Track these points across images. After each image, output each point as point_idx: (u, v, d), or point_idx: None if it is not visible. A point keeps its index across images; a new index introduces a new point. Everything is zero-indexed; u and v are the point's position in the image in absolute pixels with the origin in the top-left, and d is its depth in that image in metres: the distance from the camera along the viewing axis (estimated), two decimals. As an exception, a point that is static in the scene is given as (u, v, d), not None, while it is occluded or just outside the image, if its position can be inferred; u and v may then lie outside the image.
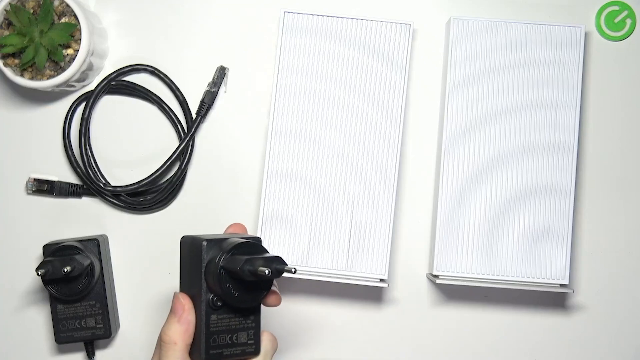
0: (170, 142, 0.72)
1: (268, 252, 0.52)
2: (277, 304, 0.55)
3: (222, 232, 0.57)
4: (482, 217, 0.68)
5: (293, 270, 0.48)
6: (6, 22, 0.67)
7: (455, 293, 0.73)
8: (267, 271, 0.47)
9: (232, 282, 0.51)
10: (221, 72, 0.72)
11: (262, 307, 0.55)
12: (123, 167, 0.72)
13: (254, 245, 0.51)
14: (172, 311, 0.53)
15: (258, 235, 0.61)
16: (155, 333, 0.61)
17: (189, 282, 0.54)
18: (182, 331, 0.52)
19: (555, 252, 0.68)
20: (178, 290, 0.55)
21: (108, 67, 0.73)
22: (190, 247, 0.53)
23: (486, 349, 0.73)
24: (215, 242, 0.52)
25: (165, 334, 0.52)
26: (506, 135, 0.68)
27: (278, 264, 0.49)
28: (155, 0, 0.73)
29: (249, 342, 0.54)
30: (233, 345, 0.54)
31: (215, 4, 0.73)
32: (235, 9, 0.73)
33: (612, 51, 0.73)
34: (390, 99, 0.68)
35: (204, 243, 0.51)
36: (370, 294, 0.72)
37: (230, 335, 0.53)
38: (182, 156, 0.71)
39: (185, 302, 0.53)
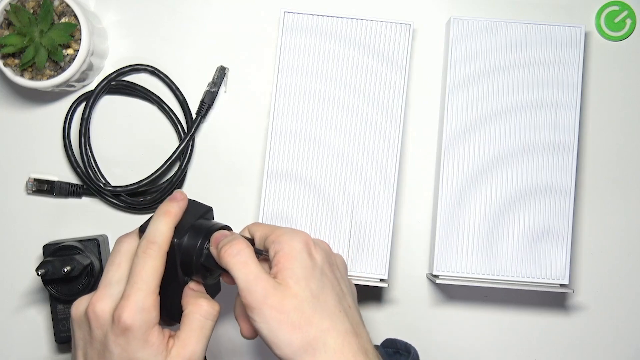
0: (170, 142, 0.72)
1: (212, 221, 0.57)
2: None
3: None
4: (482, 217, 0.68)
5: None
6: (6, 22, 0.67)
7: (455, 293, 0.73)
8: None
9: (206, 270, 0.55)
10: (221, 72, 0.72)
11: None
12: (123, 167, 0.72)
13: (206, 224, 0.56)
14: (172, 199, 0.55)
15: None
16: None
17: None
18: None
19: (555, 252, 0.68)
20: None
21: (108, 67, 0.73)
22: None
23: (486, 349, 0.73)
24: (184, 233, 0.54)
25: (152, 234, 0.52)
26: (506, 135, 0.68)
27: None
28: (155, 0, 0.73)
29: None
30: None
31: (215, 4, 0.73)
32: (235, 9, 0.73)
33: (612, 51, 0.73)
34: (390, 99, 0.68)
35: (175, 240, 0.53)
36: (370, 294, 0.72)
37: None
38: (182, 156, 0.71)
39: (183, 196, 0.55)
